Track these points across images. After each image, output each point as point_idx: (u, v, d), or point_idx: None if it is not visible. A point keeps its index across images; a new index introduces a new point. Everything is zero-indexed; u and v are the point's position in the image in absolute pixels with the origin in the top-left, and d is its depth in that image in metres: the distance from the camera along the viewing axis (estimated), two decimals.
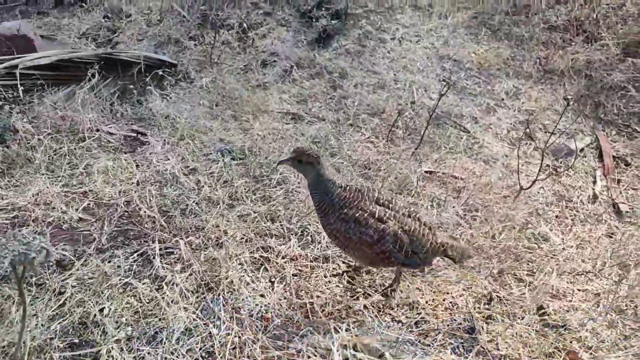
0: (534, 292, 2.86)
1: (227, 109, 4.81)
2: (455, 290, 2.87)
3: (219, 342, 2.36)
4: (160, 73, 4.93)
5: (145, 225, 3.10)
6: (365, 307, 2.68)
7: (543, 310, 2.74)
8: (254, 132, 4.44)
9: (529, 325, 2.63)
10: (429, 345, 2.49)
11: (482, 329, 2.62)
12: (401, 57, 6.30)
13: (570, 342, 2.56)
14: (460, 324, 2.65)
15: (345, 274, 2.92)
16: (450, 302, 2.80)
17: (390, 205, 2.61)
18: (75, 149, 3.75)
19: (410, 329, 2.57)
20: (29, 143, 3.66)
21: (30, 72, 4.25)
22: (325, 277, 2.88)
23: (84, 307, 2.39)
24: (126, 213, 3.22)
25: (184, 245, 2.86)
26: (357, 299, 2.75)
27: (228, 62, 5.86)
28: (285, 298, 2.68)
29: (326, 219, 2.56)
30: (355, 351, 2.30)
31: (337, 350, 2.28)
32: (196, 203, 3.34)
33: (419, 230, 2.61)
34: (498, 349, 2.51)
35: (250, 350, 2.34)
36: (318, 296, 2.71)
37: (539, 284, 2.93)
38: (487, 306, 2.77)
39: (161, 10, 6.91)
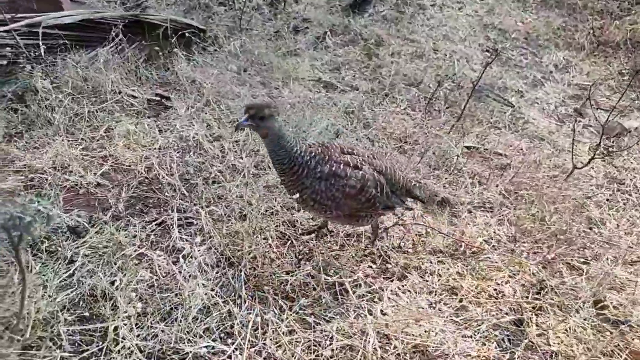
0: (590, 283, 2.55)
1: (255, 75, 4.55)
2: (500, 277, 2.59)
3: (240, 321, 2.16)
4: (188, 37, 4.69)
5: (165, 193, 2.91)
6: (399, 288, 2.44)
7: (601, 304, 2.44)
8: (284, 100, 4.18)
9: (585, 320, 2.34)
10: (471, 337, 2.24)
11: (531, 321, 2.34)
12: (441, 25, 5.88)
13: (633, 340, 2.26)
14: (507, 314, 2.38)
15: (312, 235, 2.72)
16: (495, 290, 2.52)
17: (355, 151, 2.46)
18: (96, 111, 3.57)
19: (450, 317, 2.31)
20: (49, 104, 3.49)
21: (54, 32, 4.07)
22: (357, 255, 2.63)
23: (95, 278, 2.21)
24: (146, 180, 3.03)
25: (205, 215, 2.65)
26: (392, 280, 2.50)
27: (258, 28, 5.57)
28: (313, 277, 2.45)
29: (299, 182, 2.30)
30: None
31: (373, 334, 2.06)
32: (219, 171, 3.12)
33: (390, 168, 2.50)
34: (549, 345, 2.24)
35: (274, 331, 2.13)
36: (349, 276, 2.47)
37: (595, 274, 2.62)
38: (536, 296, 2.49)
39: None
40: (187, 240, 2.51)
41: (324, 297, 2.33)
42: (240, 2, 5.93)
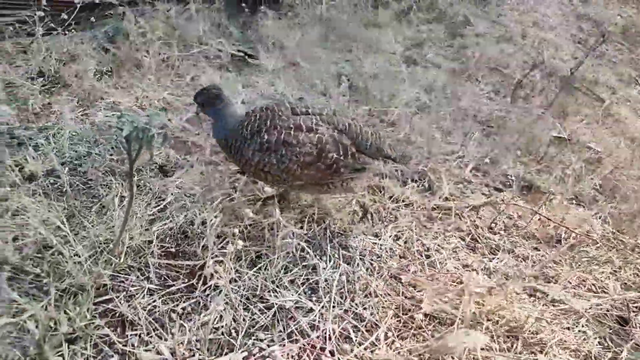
0: None
1: (337, 42, 4.42)
2: (601, 272, 2.38)
3: (325, 279, 2.07)
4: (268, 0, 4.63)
5: None
6: (488, 269, 2.28)
7: None
8: (365, 71, 4.04)
9: None
10: (569, 329, 2.06)
11: (637, 322, 2.14)
12: (532, 11, 5.56)
13: None
14: (608, 310, 2.19)
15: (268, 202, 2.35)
16: (594, 284, 2.32)
17: (310, 110, 2.14)
18: (182, 59, 3.55)
19: (546, 306, 2.14)
20: (138, 47, 3.50)
21: None
22: (447, 232, 2.49)
23: (187, 215, 2.17)
24: None
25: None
26: (482, 261, 2.35)
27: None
28: (399, 246, 2.33)
29: (241, 156, 2.05)
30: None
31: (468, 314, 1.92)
32: None
33: (355, 125, 2.16)
34: None
35: (362, 292, 2.03)
36: (436, 248, 2.34)
37: None
38: None
39: None
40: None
41: (411, 265, 2.21)
42: None
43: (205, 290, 1.94)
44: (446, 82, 4.14)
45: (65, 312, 1.68)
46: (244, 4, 4.26)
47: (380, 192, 2.66)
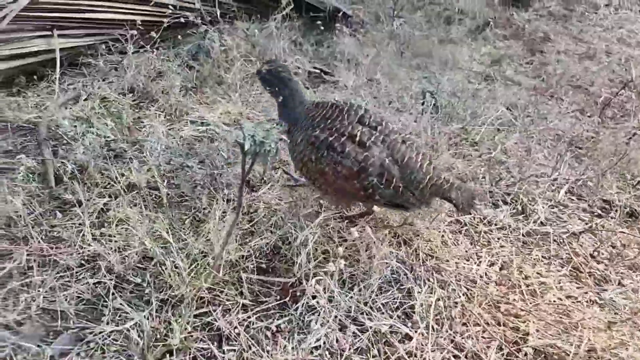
0: None
1: (412, 58, 4.36)
2: None
3: (420, 304, 1.97)
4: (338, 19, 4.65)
5: None
6: (592, 301, 2.10)
7: None
8: (444, 88, 3.94)
9: None
10: None
11: None
12: (617, 27, 5.27)
13: None
14: None
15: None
16: None
17: (379, 128, 1.97)
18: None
19: None
20: (219, 65, 3.59)
21: (225, 1, 4.22)
22: (545, 259, 2.33)
23: (280, 232, 2.15)
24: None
25: None
26: (587, 293, 2.17)
27: (406, 16, 5.39)
28: (495, 272, 2.20)
29: (293, 144, 2.00)
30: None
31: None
32: None
33: (415, 160, 1.96)
34: None
35: (460, 319, 1.92)
36: (536, 277, 2.18)
37: None
38: None
39: None
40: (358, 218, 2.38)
41: (510, 293, 2.07)
42: None
43: (297, 309, 1.90)
44: (528, 100, 3.97)
45: (167, 323, 1.69)
46: (319, 22, 4.30)
47: (470, 213, 2.54)
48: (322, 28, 4.39)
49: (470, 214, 2.43)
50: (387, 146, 1.94)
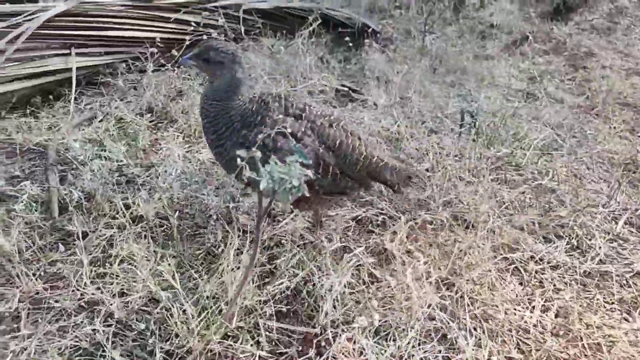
0: None
1: (445, 75, 4.11)
2: None
3: (466, 358, 1.69)
4: (365, 35, 4.45)
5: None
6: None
7: None
8: (480, 106, 3.66)
9: None
10: None
11: None
12: None
13: None
14: None
15: None
16: None
17: (304, 114, 1.89)
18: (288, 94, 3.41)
19: None
20: None
21: (250, 17, 4.07)
22: (607, 303, 2.01)
23: (302, 273, 1.90)
24: None
25: (416, 223, 2.24)
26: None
27: (438, 32, 5.16)
28: (551, 320, 1.89)
29: (220, 144, 1.85)
30: None
31: None
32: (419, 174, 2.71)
33: (347, 143, 1.91)
34: None
35: None
36: (601, 329, 1.87)
37: None
38: None
39: None
40: (399, 249, 2.12)
41: (570, 346, 1.77)
42: (419, 6, 5.62)
43: None
44: (574, 120, 3.65)
45: None
46: (347, 38, 4.10)
47: (518, 249, 2.24)
48: (350, 44, 4.19)
49: (403, 193, 2.26)
50: (317, 133, 1.88)
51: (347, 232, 2.26)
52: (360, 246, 2.09)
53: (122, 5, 3.44)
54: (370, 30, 4.52)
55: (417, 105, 3.54)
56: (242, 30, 3.72)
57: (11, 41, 2.87)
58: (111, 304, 1.61)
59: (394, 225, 2.24)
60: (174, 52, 3.44)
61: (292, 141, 1.80)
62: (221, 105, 1.86)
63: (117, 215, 1.93)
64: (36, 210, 1.94)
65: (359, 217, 2.35)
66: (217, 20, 3.72)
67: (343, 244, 2.10)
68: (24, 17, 3.00)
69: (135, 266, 1.76)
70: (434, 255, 2.07)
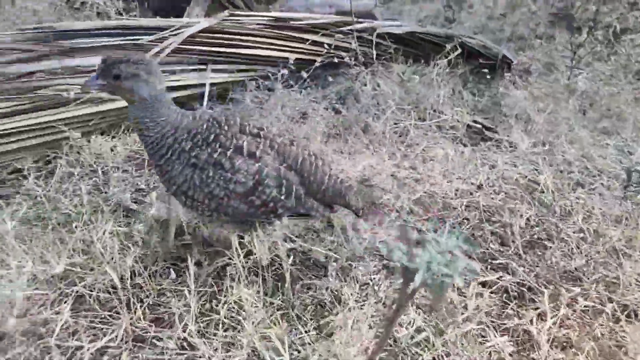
0: None
1: (598, 120, 3.58)
2: None
3: None
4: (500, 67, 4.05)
5: (492, 246, 2.24)
6: None
7: None
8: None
9: None
10: None
11: None
12: None
13: None
14: None
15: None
16: None
17: (262, 133, 1.79)
18: (414, 127, 3.18)
19: None
20: (367, 110, 3.26)
21: (382, 42, 3.91)
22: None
23: (426, 356, 1.64)
24: (466, 221, 2.43)
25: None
26: None
27: (584, 67, 4.57)
28: None
29: (167, 166, 1.68)
30: None
31: None
32: (565, 237, 2.31)
33: (310, 162, 1.83)
34: None
35: None
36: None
37: None
38: None
39: (508, 4, 6.10)
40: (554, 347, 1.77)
41: None
42: (563, 37, 5.08)
43: None
44: None
45: None
46: (486, 69, 3.76)
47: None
48: (488, 77, 3.85)
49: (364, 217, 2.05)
50: (277, 152, 1.78)
51: (477, 301, 1.95)
52: (495, 323, 1.76)
53: (259, 24, 3.48)
54: (503, 59, 4.14)
55: (561, 152, 3.10)
56: (374, 55, 3.56)
57: (157, 54, 3.01)
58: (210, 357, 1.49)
59: (534, 301, 1.89)
60: (303, 73, 3.40)
61: (251, 161, 1.69)
62: (160, 125, 1.68)
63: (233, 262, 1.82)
64: (155, 234, 1.92)
65: (490, 283, 2.03)
66: (350, 44, 3.62)
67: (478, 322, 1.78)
68: (170, 31, 3.14)
69: (242, 315, 1.63)
70: (587, 350, 1.68)
